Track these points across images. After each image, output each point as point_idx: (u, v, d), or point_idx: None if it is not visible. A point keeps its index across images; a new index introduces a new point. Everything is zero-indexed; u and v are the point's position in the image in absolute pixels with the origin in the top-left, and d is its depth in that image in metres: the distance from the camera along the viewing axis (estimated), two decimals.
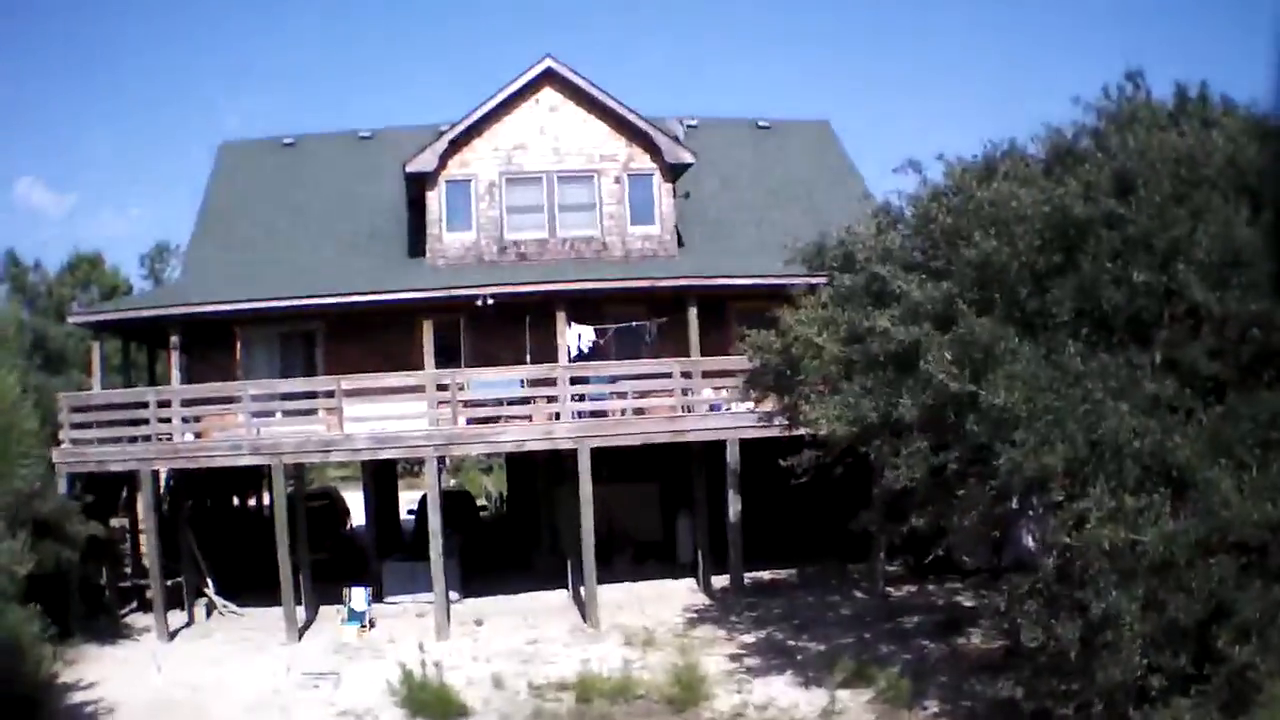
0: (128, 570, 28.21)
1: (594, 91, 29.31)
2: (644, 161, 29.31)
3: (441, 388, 24.44)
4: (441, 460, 24.01)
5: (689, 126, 34.57)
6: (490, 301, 25.36)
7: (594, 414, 25.57)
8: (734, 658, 20.82)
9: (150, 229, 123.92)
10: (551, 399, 25.07)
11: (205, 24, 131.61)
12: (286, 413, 25.48)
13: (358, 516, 35.10)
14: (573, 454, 24.04)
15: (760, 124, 36.89)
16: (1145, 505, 12.82)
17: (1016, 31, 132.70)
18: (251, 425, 24.48)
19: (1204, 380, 13.95)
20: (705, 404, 25.28)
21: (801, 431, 18.34)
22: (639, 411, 25.75)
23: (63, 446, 24.36)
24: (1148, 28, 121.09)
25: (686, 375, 25.11)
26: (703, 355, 25.76)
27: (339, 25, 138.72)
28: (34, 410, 23.89)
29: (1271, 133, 14.40)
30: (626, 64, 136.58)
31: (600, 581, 24.30)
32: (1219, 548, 12.65)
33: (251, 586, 26.23)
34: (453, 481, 52.07)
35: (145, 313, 27.06)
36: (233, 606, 26.40)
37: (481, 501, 47.93)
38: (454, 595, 25.39)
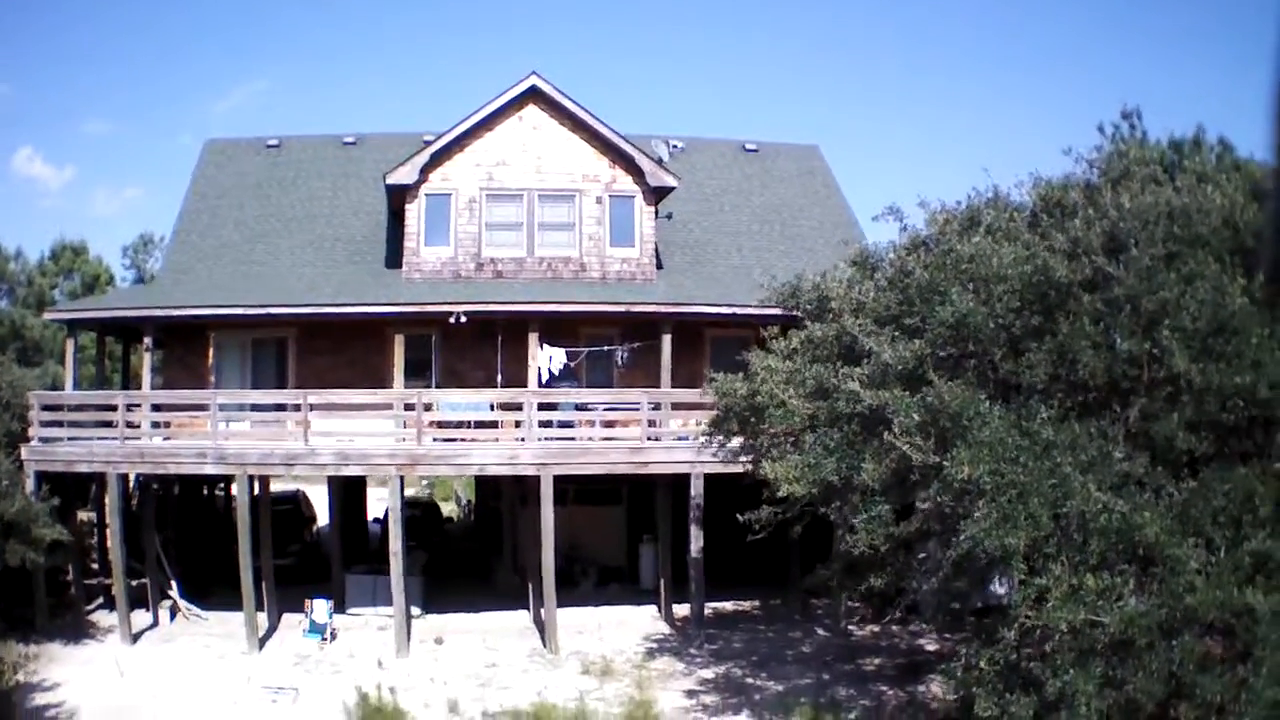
0: (95, 565, 28.17)
1: (578, 111, 29.12)
2: (626, 183, 29.11)
3: (409, 407, 24.38)
4: (403, 480, 23.88)
5: (675, 147, 34.53)
6: (463, 319, 25.29)
7: (561, 424, 25.46)
8: (690, 694, 20.69)
9: (146, 208, 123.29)
10: (519, 423, 24.93)
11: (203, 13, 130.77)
12: (254, 421, 25.50)
13: (326, 518, 35.00)
14: (537, 478, 23.96)
15: (748, 146, 36.85)
16: (1107, 585, 12.58)
17: (1018, 55, 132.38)
18: (219, 434, 24.34)
19: (1178, 454, 13.71)
20: (673, 434, 25.17)
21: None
22: (608, 425, 25.80)
23: (32, 444, 24.23)
24: (1153, 53, 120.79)
25: (655, 406, 25.04)
26: (676, 381, 25.79)
27: (334, 23, 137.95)
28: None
29: (1268, 192, 14.08)
30: (617, 82, 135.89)
31: (562, 604, 24.22)
32: (1182, 627, 12.52)
33: (219, 583, 26.19)
34: (425, 486, 51.85)
35: (120, 313, 27.13)
36: (196, 610, 26.30)
37: (451, 507, 47.90)
38: (416, 610, 25.34)
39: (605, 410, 25.82)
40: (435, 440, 24.81)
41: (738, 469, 20.22)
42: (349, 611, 25.98)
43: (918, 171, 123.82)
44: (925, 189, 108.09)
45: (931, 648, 22.18)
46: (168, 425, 26.10)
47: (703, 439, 21.25)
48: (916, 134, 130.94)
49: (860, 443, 15.65)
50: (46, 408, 24.92)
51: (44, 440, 24.47)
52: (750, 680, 21.61)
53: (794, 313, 19.20)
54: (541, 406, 25.01)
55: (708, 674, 21.99)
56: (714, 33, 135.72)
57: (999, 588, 17.53)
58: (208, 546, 28.66)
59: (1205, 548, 12.65)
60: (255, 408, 25.69)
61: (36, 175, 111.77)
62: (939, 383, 14.48)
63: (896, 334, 15.94)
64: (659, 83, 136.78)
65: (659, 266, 30.04)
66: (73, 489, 25.97)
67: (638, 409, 25.04)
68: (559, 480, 24.07)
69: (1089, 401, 14.58)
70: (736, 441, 19.94)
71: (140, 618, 25.45)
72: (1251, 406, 13.23)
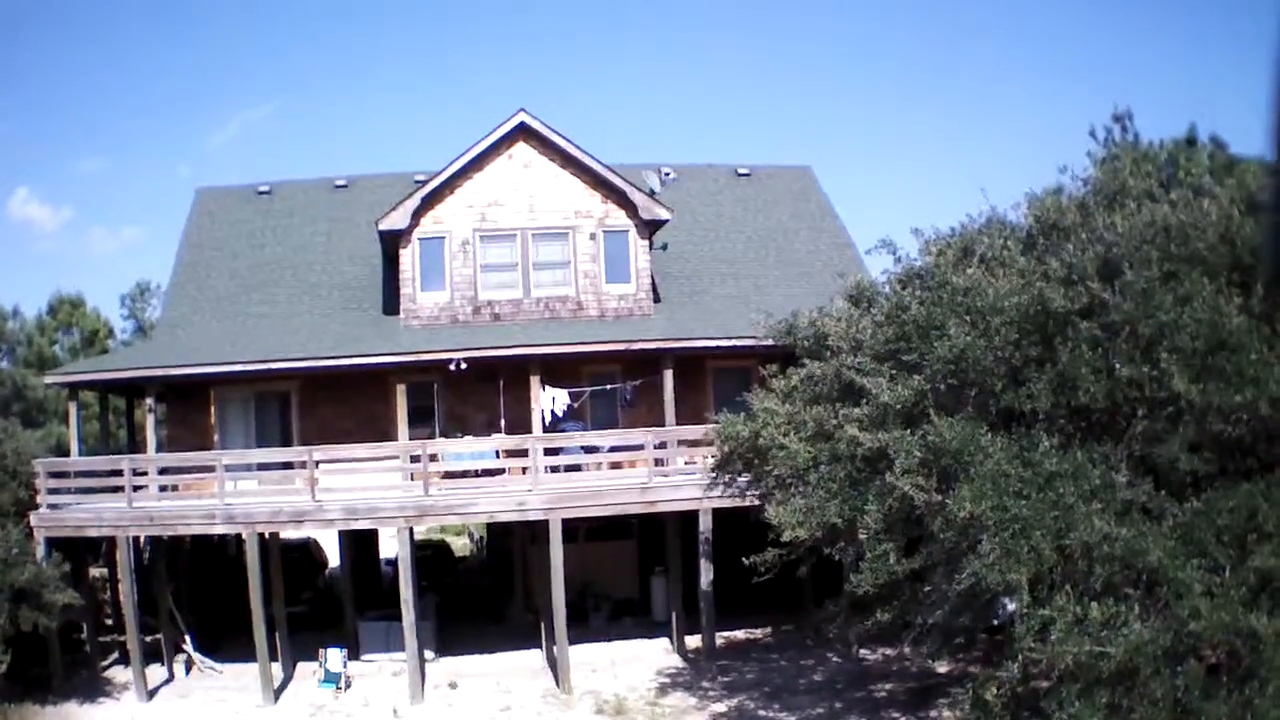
0: (109, 622, 28.26)
1: (568, 147, 29.12)
2: (619, 218, 29.11)
3: (414, 459, 24.46)
4: (412, 531, 23.96)
5: (668, 175, 34.50)
6: (463, 366, 25.41)
7: (569, 469, 25.59)
8: None
9: (146, 247, 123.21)
10: (525, 468, 24.94)
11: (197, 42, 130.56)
12: (262, 479, 25.62)
13: (338, 560, 35.06)
14: (546, 522, 23.98)
15: (740, 171, 36.89)
16: (1112, 614, 12.58)
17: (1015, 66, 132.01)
18: (225, 495, 24.37)
19: (1181, 476, 13.69)
20: (679, 471, 25.17)
21: None
22: (615, 466, 25.95)
23: (40, 511, 24.34)
24: (1148, 50, 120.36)
25: (660, 445, 25.12)
26: (681, 414, 25.91)
27: (331, 54, 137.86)
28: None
29: (1263, 204, 13.71)
30: (607, 111, 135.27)
31: (575, 640, 24.30)
32: (1186, 653, 12.53)
33: (232, 633, 26.17)
34: (437, 528, 51.74)
35: (121, 374, 27.19)
36: (210, 662, 26.32)
37: (464, 541, 47.83)
38: (429, 654, 25.43)
39: (611, 450, 25.91)
40: (442, 490, 24.75)
41: (747, 503, 20.34)
42: (363, 658, 25.97)
43: (915, 184, 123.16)
44: (923, 201, 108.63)
45: (944, 669, 22.18)
46: (175, 489, 26.19)
47: (710, 476, 21.29)
48: (911, 142, 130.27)
49: (863, 483, 15.70)
50: (53, 474, 25.00)
51: (52, 507, 24.56)
52: (763, 713, 21.62)
53: (790, 347, 19.29)
54: (547, 451, 25.09)
55: (720, 708, 21.99)
56: (706, 58, 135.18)
57: (1009, 604, 17.60)
58: (220, 596, 28.66)
59: (1210, 568, 12.62)
60: (261, 466, 25.77)
61: (33, 217, 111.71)
62: (938, 421, 14.51)
63: (894, 371, 15.98)
64: (650, 110, 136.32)
65: (656, 300, 30.08)
66: (84, 546, 26.12)
67: (642, 449, 25.08)
68: (570, 519, 24.20)
69: (1092, 425, 14.60)
70: (743, 479, 20.01)
71: (156, 672, 25.51)
72: (1254, 423, 13.21)
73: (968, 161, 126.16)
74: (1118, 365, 13.92)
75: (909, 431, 14.97)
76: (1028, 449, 14.07)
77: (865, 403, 16.10)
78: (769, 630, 27.35)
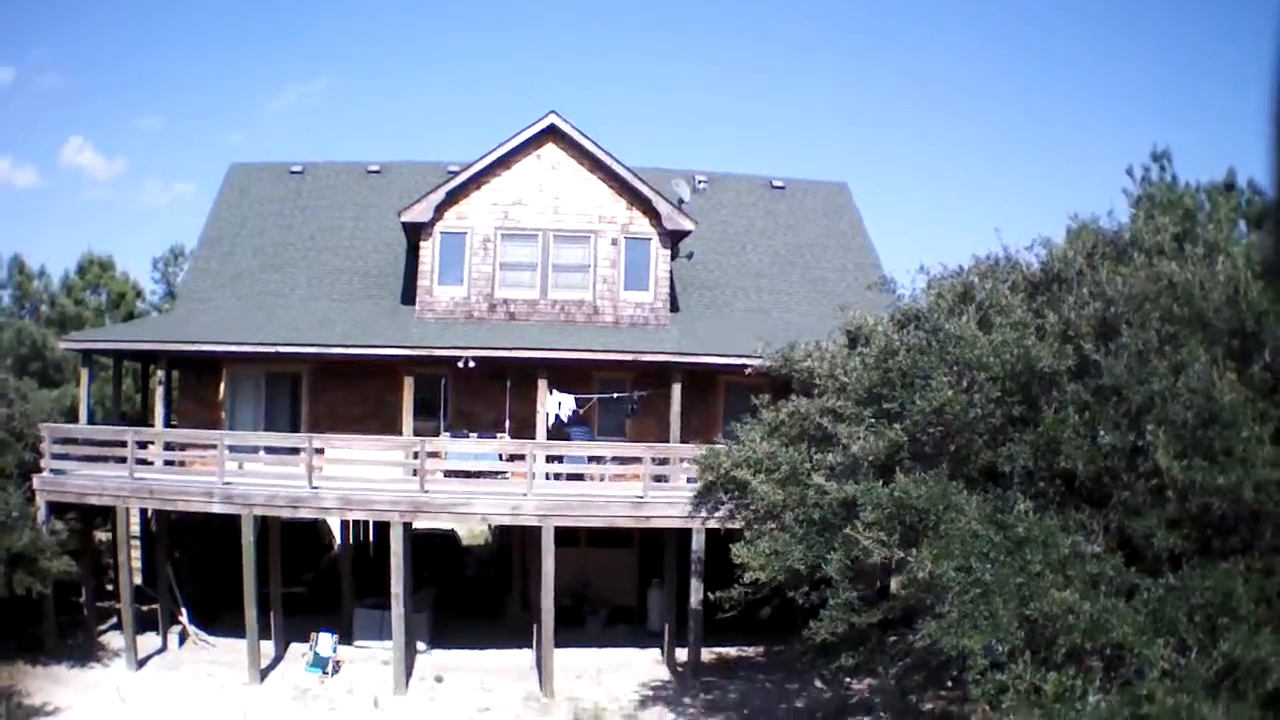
0: (111, 587, 28.47)
1: (596, 151, 29.03)
2: (643, 225, 29.03)
3: (415, 454, 24.52)
4: (407, 525, 24.01)
5: (700, 184, 34.48)
6: (472, 364, 25.46)
7: (570, 477, 25.68)
8: None
9: (196, 204, 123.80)
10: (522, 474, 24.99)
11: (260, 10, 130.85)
12: (264, 461, 25.79)
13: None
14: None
15: (775, 183, 36.70)
16: (1069, 686, 12.42)
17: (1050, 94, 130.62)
18: (226, 473, 24.46)
19: (1157, 551, 13.36)
20: (676, 488, 25.07)
21: None
22: (615, 479, 25.90)
23: (44, 475, 24.53)
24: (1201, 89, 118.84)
25: (660, 460, 25.15)
26: (688, 427, 26.00)
27: (387, 33, 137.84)
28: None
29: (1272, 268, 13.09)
30: (646, 116, 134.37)
31: (569, 644, 24.52)
32: None
33: (231, 608, 26.10)
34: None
35: (134, 345, 27.38)
36: (205, 636, 26.56)
37: (481, 529, 47.66)
38: (422, 645, 25.66)
39: (612, 462, 25.92)
40: (440, 488, 24.73)
41: (738, 524, 20.28)
42: (356, 644, 26.12)
43: (963, 208, 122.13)
44: (960, 228, 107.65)
45: (928, 707, 22.06)
46: (182, 465, 26.42)
47: (695, 502, 21.24)
48: (952, 168, 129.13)
49: (831, 529, 15.57)
50: (59, 440, 25.16)
51: (55, 472, 24.75)
52: None
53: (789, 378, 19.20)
54: (550, 458, 25.27)
55: None
56: (746, 68, 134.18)
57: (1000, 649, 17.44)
58: (222, 570, 28.74)
59: (1178, 648, 12.39)
60: (268, 450, 25.95)
61: (86, 165, 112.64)
62: (903, 479, 14.38)
63: (873, 419, 15.79)
64: (693, 117, 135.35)
65: (675, 309, 30.03)
66: (92, 510, 26.25)
67: (640, 462, 25.01)
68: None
69: (1073, 490, 14.38)
70: (724, 509, 19.99)
71: (151, 641, 25.86)
72: (1237, 505, 12.92)
73: (1016, 188, 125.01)
74: (1102, 432, 13.72)
75: (881, 482, 14.81)
76: (1002, 510, 13.89)
77: (841, 448, 15.99)
78: (760, 649, 27.21)
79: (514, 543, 29.39)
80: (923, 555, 13.33)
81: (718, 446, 19.20)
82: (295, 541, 28.97)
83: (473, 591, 32.49)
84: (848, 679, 24.37)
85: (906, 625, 14.37)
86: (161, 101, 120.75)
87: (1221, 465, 12.80)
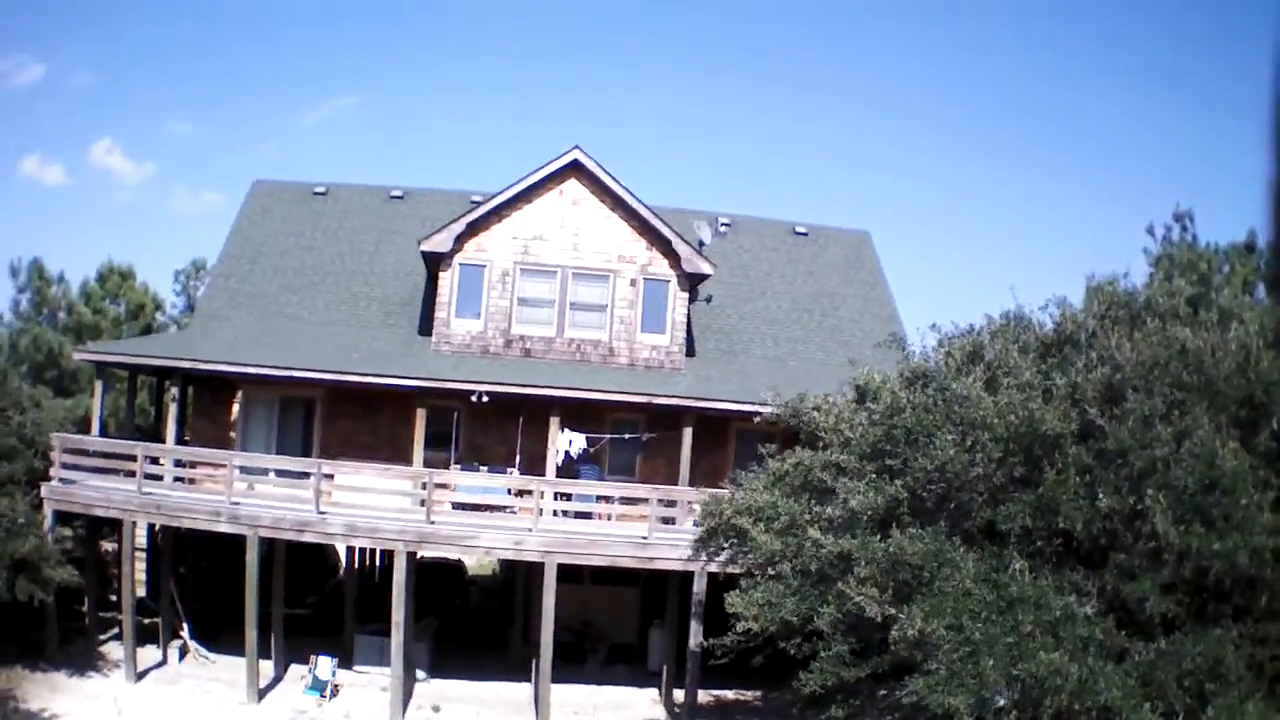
0: (114, 597, 28.50)
1: (619, 189, 29.06)
2: (662, 267, 29.05)
3: (423, 486, 24.58)
4: (412, 555, 24.03)
5: (722, 225, 34.47)
6: (485, 399, 25.50)
7: (579, 515, 25.72)
8: None
9: (223, 214, 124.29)
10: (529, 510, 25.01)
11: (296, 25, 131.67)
12: (273, 484, 25.90)
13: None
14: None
15: (798, 229, 36.65)
16: None
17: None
18: (234, 493, 24.54)
19: (1150, 615, 13.36)
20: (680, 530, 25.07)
21: None
22: (621, 518, 25.89)
23: (52, 484, 24.67)
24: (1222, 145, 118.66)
25: (667, 503, 25.19)
26: (698, 471, 25.96)
27: (419, 53, 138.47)
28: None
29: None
30: (669, 157, 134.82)
31: (568, 680, 24.69)
32: None
33: (233, 625, 26.05)
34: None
35: (148, 360, 27.43)
36: (205, 652, 26.64)
37: (490, 560, 47.51)
38: (421, 674, 25.74)
39: (619, 502, 25.96)
40: (446, 520, 24.79)
41: (739, 569, 20.28)
42: (356, 669, 26.18)
43: (982, 264, 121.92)
44: (987, 282, 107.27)
45: None
46: (191, 482, 26.49)
47: (697, 546, 21.29)
48: (981, 223, 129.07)
49: (826, 582, 15.64)
50: (69, 450, 25.26)
51: (64, 481, 24.88)
52: None
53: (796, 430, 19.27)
54: (558, 495, 25.39)
55: None
56: (771, 112, 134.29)
57: (1000, 699, 17.37)
58: (225, 587, 28.78)
59: (1165, 713, 12.42)
60: (279, 474, 26.04)
61: (114, 168, 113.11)
62: (898, 535, 14.46)
63: (874, 475, 15.88)
64: (717, 161, 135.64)
65: (690, 354, 30.05)
66: (100, 519, 26.25)
67: (647, 503, 25.03)
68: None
69: (1070, 550, 14.41)
70: (724, 555, 20.04)
71: (151, 653, 25.91)
72: (1232, 570, 12.92)
73: (1040, 245, 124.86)
74: (1102, 495, 13.71)
75: (879, 537, 14.90)
76: (998, 569, 13.95)
77: (840, 502, 16.04)
78: (759, 694, 27.05)
79: (519, 576, 29.34)
80: (913, 612, 13.40)
81: (720, 492, 19.34)
82: (300, 563, 28.93)
83: (476, 622, 32.46)
84: None
85: (897, 679, 14.36)
86: (194, 108, 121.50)
87: (1219, 531, 12.82)
